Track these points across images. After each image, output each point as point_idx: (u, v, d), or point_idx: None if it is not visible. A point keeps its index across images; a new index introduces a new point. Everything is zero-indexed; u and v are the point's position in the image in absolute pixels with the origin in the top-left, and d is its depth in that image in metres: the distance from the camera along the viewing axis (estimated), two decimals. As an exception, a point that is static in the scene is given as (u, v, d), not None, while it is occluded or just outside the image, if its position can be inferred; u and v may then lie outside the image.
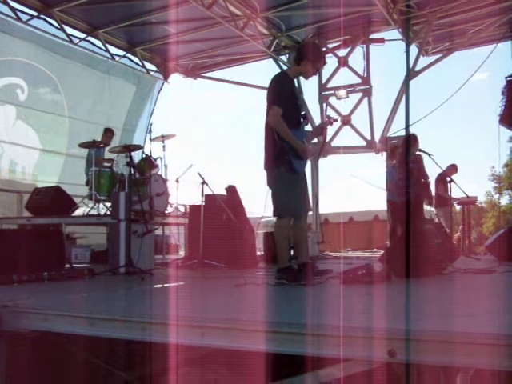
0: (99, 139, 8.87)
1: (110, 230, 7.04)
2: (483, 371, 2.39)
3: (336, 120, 5.61)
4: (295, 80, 5.27)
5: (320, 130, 5.65)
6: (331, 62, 12.25)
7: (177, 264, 7.82)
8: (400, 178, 8.36)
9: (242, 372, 3.21)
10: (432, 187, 9.84)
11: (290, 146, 4.78)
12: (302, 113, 5.13)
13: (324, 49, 12.23)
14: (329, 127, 5.51)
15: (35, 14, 10.20)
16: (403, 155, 8.52)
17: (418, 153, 8.42)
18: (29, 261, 5.30)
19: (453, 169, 10.71)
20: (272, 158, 4.87)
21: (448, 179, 9.75)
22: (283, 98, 4.86)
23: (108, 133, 9.54)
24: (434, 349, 2.34)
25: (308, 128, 5.45)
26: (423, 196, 8.92)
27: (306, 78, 5.24)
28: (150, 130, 9.04)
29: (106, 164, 8.63)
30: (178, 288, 5.22)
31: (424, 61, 11.81)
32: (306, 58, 5.01)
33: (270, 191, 5.01)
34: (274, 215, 5.02)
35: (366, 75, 11.80)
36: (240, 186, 8.17)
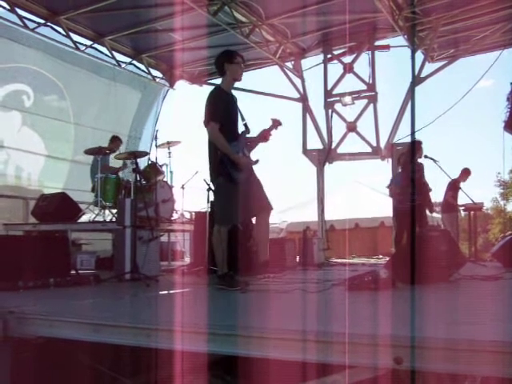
0: (105, 146, 8.89)
1: (116, 236, 7.05)
2: (490, 379, 2.37)
3: (280, 124, 5.76)
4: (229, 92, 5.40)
5: (263, 136, 5.77)
6: (337, 68, 12.30)
7: (182, 270, 7.82)
8: (405, 184, 8.34)
9: (248, 379, 3.20)
10: (433, 194, 9.84)
11: (229, 157, 5.05)
12: (244, 122, 5.32)
13: (329, 55, 12.27)
14: (274, 131, 5.72)
15: (42, 21, 10.27)
16: (407, 162, 8.52)
17: (419, 160, 8.42)
18: (34, 267, 5.31)
19: (466, 173, 10.68)
20: (212, 169, 5.20)
21: (459, 186, 9.75)
22: (219, 113, 5.10)
23: (116, 141, 9.49)
24: (440, 356, 2.33)
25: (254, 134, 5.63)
26: (424, 204, 8.91)
27: (239, 79, 5.37)
28: (156, 137, 9.07)
29: (111, 172, 8.64)
30: (184, 294, 5.22)
31: (429, 67, 11.83)
32: (226, 61, 5.23)
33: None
34: (215, 223, 5.30)
35: (371, 82, 11.80)
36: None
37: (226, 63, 5.22)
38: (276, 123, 5.73)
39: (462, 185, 10.62)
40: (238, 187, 5.18)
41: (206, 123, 5.11)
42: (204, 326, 2.96)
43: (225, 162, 5.03)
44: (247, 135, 5.44)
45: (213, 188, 5.48)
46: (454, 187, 10.41)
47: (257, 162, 5.45)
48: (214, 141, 5.07)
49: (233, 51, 5.42)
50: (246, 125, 5.34)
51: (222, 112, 5.12)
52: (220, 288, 4.98)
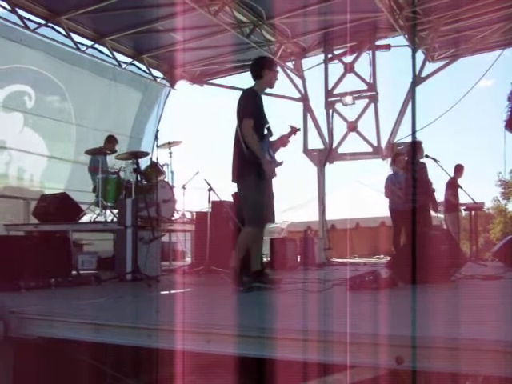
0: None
1: (117, 236, 7.06)
2: (491, 378, 2.37)
3: (299, 129, 5.83)
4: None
5: (282, 141, 5.76)
6: (337, 68, 12.30)
7: (183, 270, 7.82)
8: (407, 185, 8.34)
9: (248, 379, 3.21)
10: (437, 193, 9.83)
11: (257, 157, 5.00)
12: (267, 126, 5.30)
13: (330, 55, 12.28)
14: (292, 137, 5.74)
15: (43, 22, 10.26)
16: (408, 162, 8.52)
17: (421, 160, 8.41)
18: (36, 267, 5.32)
19: (460, 169, 10.62)
20: (242, 167, 5.10)
21: (458, 184, 9.73)
22: (253, 111, 5.11)
23: (112, 140, 9.43)
24: (442, 356, 2.33)
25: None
26: (429, 203, 8.90)
27: (272, 86, 5.40)
28: (157, 137, 9.05)
29: (110, 172, 8.63)
30: (185, 294, 5.22)
31: (430, 67, 11.82)
32: (264, 67, 5.27)
33: (242, 201, 5.27)
34: (249, 224, 5.14)
35: (372, 81, 11.80)
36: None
37: (266, 69, 5.26)
38: (294, 130, 5.77)
39: (461, 183, 10.60)
40: (267, 187, 5.22)
41: (240, 120, 5.10)
42: (204, 326, 2.96)
43: (255, 161, 5.00)
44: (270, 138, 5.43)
45: (239, 187, 5.26)
46: (452, 186, 10.39)
47: (281, 163, 5.42)
48: (248, 137, 5.01)
49: (273, 59, 5.51)
50: (269, 128, 5.32)
51: (254, 110, 5.14)
52: (255, 286, 4.94)
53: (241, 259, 5.08)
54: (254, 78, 5.37)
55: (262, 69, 5.28)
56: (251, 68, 5.41)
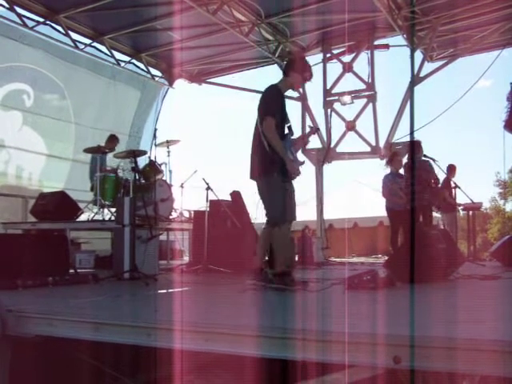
0: (103, 145, 8.87)
1: (115, 235, 7.05)
2: (488, 378, 2.38)
3: (318, 129, 5.87)
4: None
5: (302, 140, 5.79)
6: (336, 67, 12.29)
7: (181, 269, 7.82)
8: (407, 184, 8.34)
9: (247, 378, 3.20)
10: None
11: (279, 155, 4.94)
12: (288, 125, 5.25)
13: (329, 55, 12.27)
14: (311, 136, 5.80)
15: (41, 20, 10.25)
16: (409, 162, 8.52)
17: (424, 159, 8.42)
18: (33, 266, 5.31)
19: (453, 169, 10.62)
20: (264, 165, 5.01)
21: (453, 184, 9.75)
22: (275, 109, 5.06)
23: (113, 139, 9.46)
24: (439, 355, 2.33)
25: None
26: (434, 202, 8.94)
27: (295, 89, 5.38)
28: (155, 136, 9.05)
29: (109, 170, 8.63)
30: (183, 293, 5.22)
31: (429, 67, 11.81)
32: (295, 69, 5.22)
33: (263, 199, 5.17)
34: (272, 223, 5.09)
35: (370, 81, 11.79)
36: (244, 192, 8.19)
37: (294, 71, 5.22)
38: (314, 130, 5.80)
39: (459, 183, 10.61)
40: (289, 184, 5.17)
41: (262, 118, 5.03)
42: (203, 325, 2.96)
43: (278, 159, 4.95)
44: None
45: (259, 185, 5.14)
46: (447, 186, 10.40)
47: (303, 162, 5.39)
48: (269, 135, 4.95)
49: (307, 64, 5.40)
50: (290, 127, 5.27)
51: (277, 109, 5.09)
52: (275, 288, 4.81)
53: (264, 257, 5.10)
54: (283, 73, 5.34)
55: (292, 69, 5.23)
56: (288, 62, 5.38)
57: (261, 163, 5.04)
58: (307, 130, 5.76)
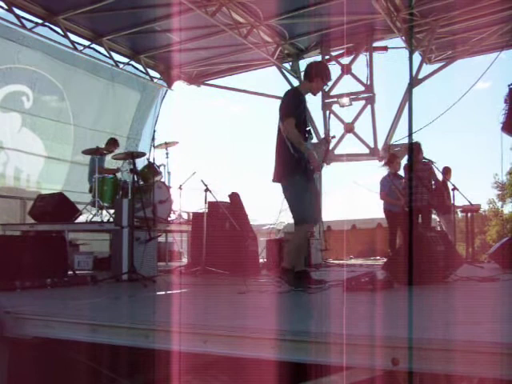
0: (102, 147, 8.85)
1: (113, 236, 7.05)
2: (486, 380, 2.38)
3: (334, 137, 6.15)
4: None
5: (325, 142, 5.83)
6: (334, 69, 12.28)
7: (180, 271, 7.82)
8: (409, 186, 8.34)
9: (245, 380, 3.20)
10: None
11: (303, 156, 4.99)
12: (308, 128, 5.28)
13: (327, 57, 12.27)
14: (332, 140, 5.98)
15: (40, 21, 10.24)
16: (409, 163, 8.52)
17: (425, 160, 8.43)
18: (32, 267, 5.30)
19: (448, 171, 10.61)
20: (288, 167, 5.06)
21: (451, 186, 9.73)
22: (295, 110, 5.09)
23: (113, 143, 9.39)
24: (437, 357, 2.33)
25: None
26: (434, 204, 8.94)
27: (315, 94, 5.43)
28: (154, 138, 9.06)
29: (110, 171, 8.63)
30: (181, 295, 5.22)
31: (427, 69, 11.85)
32: (320, 75, 5.26)
33: (288, 201, 5.18)
34: (297, 223, 5.10)
35: (369, 83, 11.81)
36: (243, 194, 8.19)
37: (321, 78, 5.26)
38: (329, 138, 5.92)
39: (458, 185, 10.59)
40: (313, 185, 5.24)
41: (283, 119, 5.10)
42: (201, 327, 2.96)
43: (301, 159, 5.00)
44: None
45: (284, 186, 5.17)
46: (445, 187, 10.39)
47: (323, 165, 5.43)
48: (290, 135, 5.00)
49: (330, 72, 5.44)
50: (309, 131, 5.30)
51: (297, 111, 5.12)
52: (296, 290, 4.85)
53: (299, 258, 5.11)
54: (305, 77, 5.40)
55: (317, 75, 5.25)
56: (309, 66, 5.39)
57: (285, 165, 5.11)
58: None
